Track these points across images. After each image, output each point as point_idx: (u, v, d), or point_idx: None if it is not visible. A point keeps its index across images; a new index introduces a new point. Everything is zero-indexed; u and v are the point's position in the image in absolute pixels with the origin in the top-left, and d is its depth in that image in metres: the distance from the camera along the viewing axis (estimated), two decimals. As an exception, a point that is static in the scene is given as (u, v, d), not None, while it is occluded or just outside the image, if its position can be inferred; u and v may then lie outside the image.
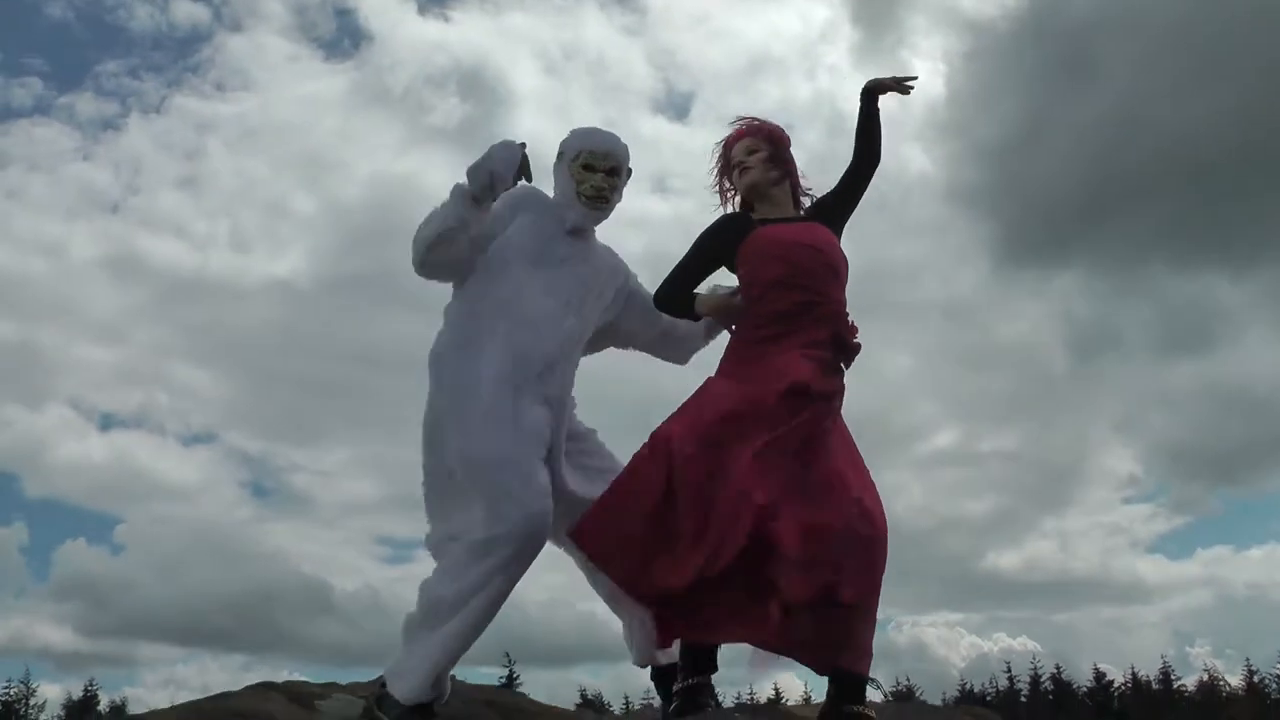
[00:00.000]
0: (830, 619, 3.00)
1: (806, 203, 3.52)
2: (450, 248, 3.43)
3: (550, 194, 3.65)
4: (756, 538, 3.00)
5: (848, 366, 3.32)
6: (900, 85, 3.49)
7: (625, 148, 3.64)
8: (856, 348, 3.30)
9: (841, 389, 3.29)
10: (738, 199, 3.50)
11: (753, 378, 3.22)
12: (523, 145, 3.41)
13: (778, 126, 3.52)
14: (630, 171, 3.66)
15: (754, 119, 3.51)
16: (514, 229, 3.53)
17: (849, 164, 3.49)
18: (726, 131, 3.54)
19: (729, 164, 3.50)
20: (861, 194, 3.51)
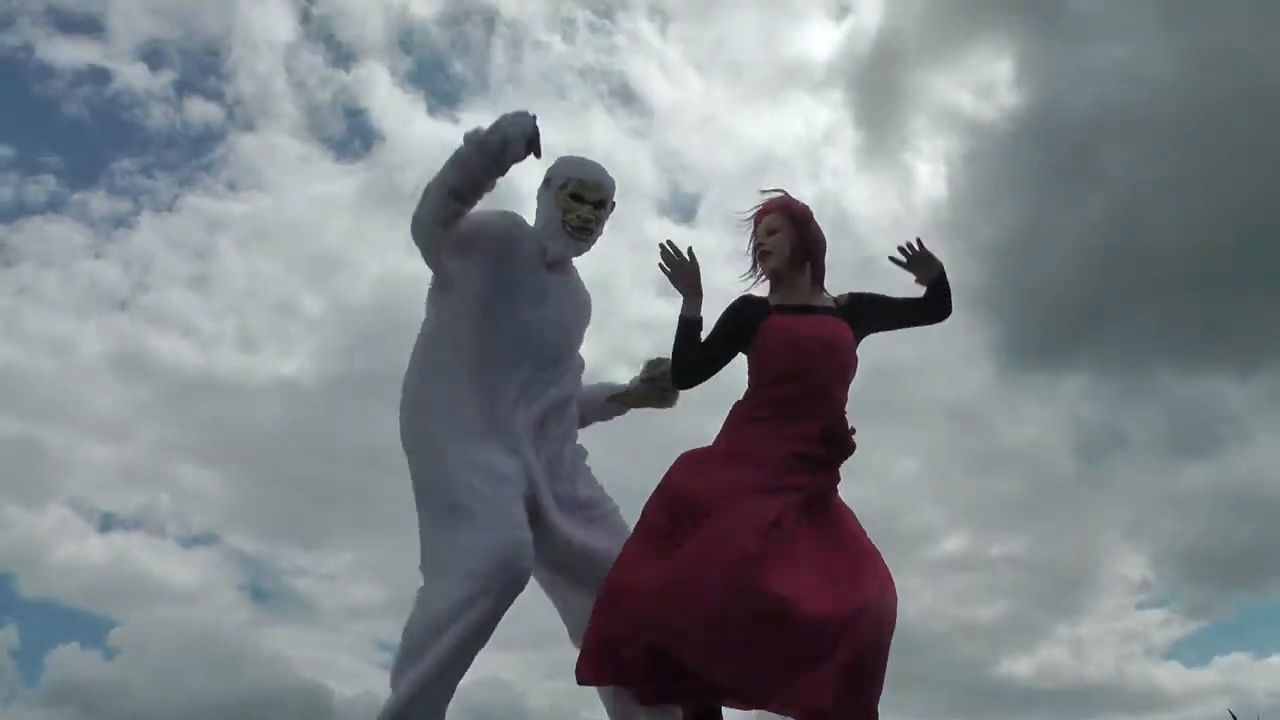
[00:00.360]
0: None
1: (833, 288, 3.45)
2: (446, 230, 3.31)
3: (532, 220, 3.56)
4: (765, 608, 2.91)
5: (837, 463, 3.26)
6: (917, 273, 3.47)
7: (613, 181, 3.56)
8: (850, 446, 3.25)
9: (824, 484, 3.23)
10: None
11: (736, 454, 3.19)
12: (534, 116, 3.19)
13: (801, 204, 3.43)
14: (614, 205, 3.58)
15: (778, 193, 3.42)
16: (492, 257, 3.40)
17: (919, 300, 3.47)
18: (746, 217, 3.46)
19: (753, 243, 3.43)
20: (904, 327, 3.50)
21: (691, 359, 3.31)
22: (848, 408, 3.32)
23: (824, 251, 3.41)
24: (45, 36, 14.45)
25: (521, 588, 3.13)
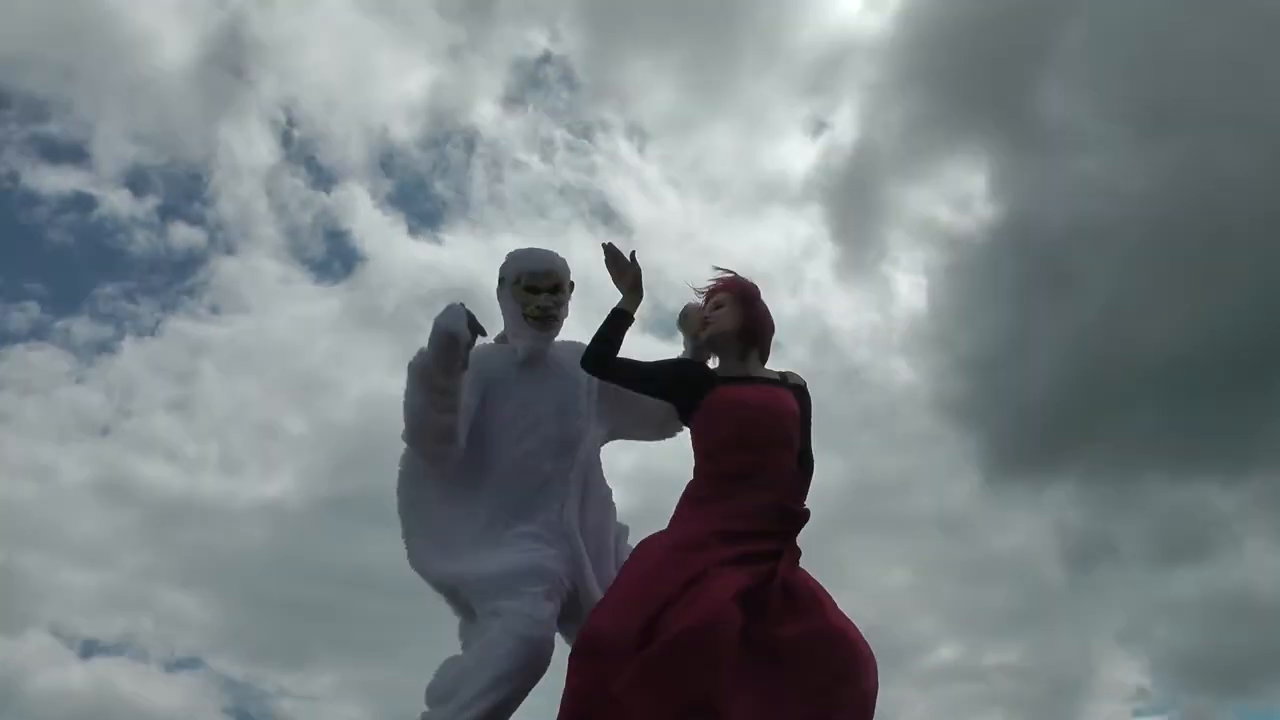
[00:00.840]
0: None
1: (781, 365, 3.48)
2: (436, 433, 3.38)
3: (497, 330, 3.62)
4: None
5: (793, 534, 3.22)
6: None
7: (563, 261, 3.59)
8: (804, 515, 3.24)
9: (785, 553, 3.17)
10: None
11: (689, 544, 3.10)
12: (461, 304, 3.31)
13: (748, 283, 3.45)
14: (573, 285, 3.61)
15: (728, 274, 3.46)
16: (474, 397, 3.46)
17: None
18: (698, 295, 3.47)
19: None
20: None
21: (612, 350, 3.30)
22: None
23: (769, 329, 3.44)
24: (30, 165, 14.61)
25: (538, 679, 3.17)
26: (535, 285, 3.50)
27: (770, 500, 3.19)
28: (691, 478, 3.32)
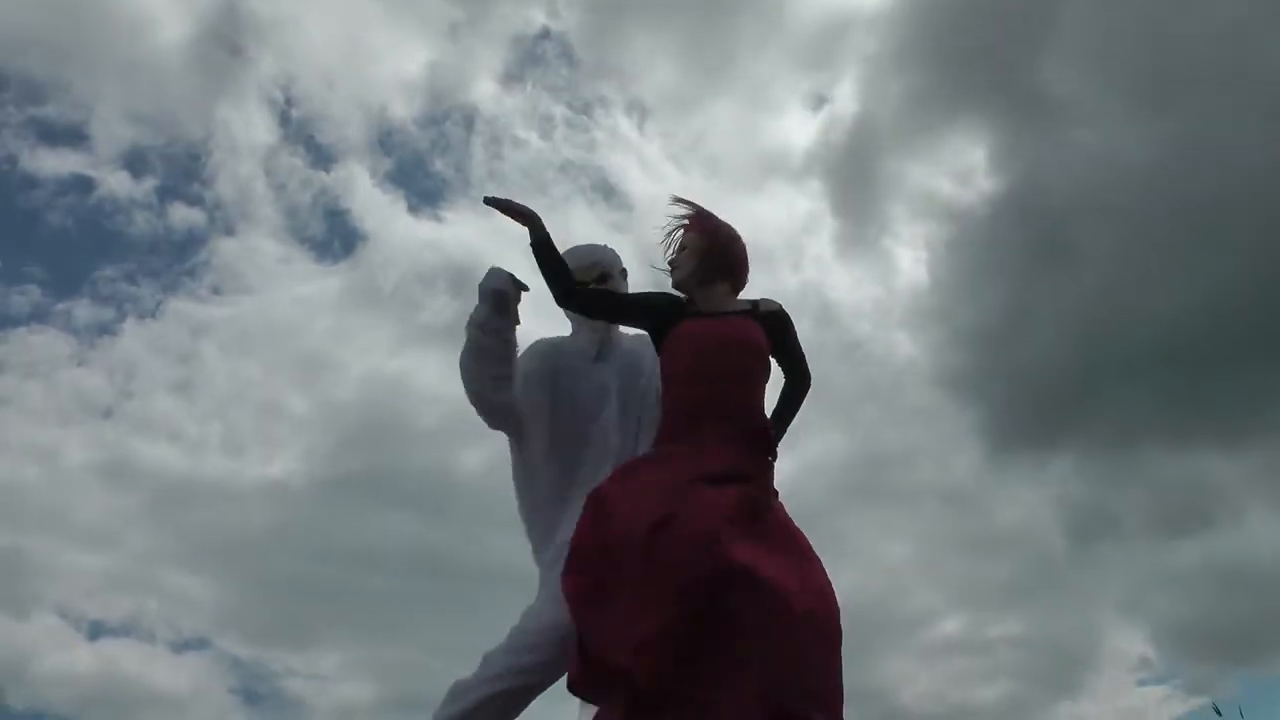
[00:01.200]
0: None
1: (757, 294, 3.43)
2: (491, 409, 3.46)
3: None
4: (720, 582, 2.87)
5: (767, 459, 3.21)
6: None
7: (611, 252, 3.65)
8: (767, 437, 3.22)
9: (762, 474, 3.16)
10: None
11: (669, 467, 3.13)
12: (500, 268, 3.42)
13: (710, 219, 3.42)
14: (625, 272, 3.66)
15: (692, 208, 3.44)
16: (546, 388, 3.52)
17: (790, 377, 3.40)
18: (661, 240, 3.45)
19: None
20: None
21: (566, 276, 3.33)
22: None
23: (736, 260, 3.40)
24: (28, 148, 14.58)
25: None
26: (582, 280, 3.52)
27: (733, 431, 3.18)
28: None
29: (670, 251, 3.42)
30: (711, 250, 3.37)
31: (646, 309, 3.37)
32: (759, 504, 3.08)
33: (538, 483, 3.53)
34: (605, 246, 3.67)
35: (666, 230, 3.45)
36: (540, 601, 3.27)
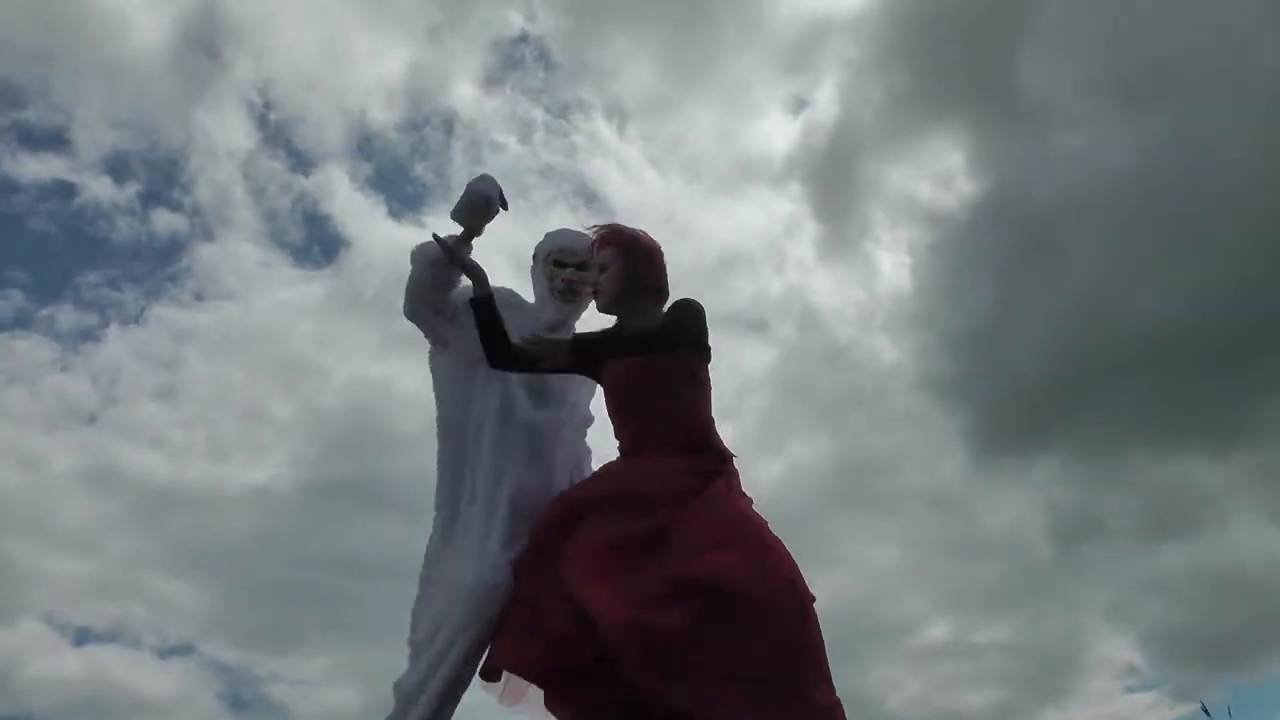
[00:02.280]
0: None
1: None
2: (425, 297, 3.51)
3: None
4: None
5: (721, 467, 3.20)
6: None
7: (589, 239, 3.62)
8: (714, 449, 3.23)
9: (706, 479, 3.13)
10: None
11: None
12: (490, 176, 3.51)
13: (628, 234, 3.43)
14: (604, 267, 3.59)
15: (609, 227, 3.46)
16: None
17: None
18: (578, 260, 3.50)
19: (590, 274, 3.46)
20: None
21: (500, 341, 3.35)
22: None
23: (654, 277, 3.41)
24: (10, 152, 14.48)
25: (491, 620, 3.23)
26: (563, 260, 3.60)
27: (678, 447, 3.20)
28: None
29: (593, 276, 3.42)
30: (632, 272, 3.38)
31: (576, 361, 3.37)
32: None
33: (458, 409, 3.52)
34: (585, 234, 3.64)
35: (585, 252, 3.48)
36: (452, 561, 3.30)
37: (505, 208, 3.51)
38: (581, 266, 3.58)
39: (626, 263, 3.37)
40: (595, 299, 3.43)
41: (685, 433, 3.25)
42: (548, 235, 3.70)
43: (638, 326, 3.34)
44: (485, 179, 3.48)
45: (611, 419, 3.33)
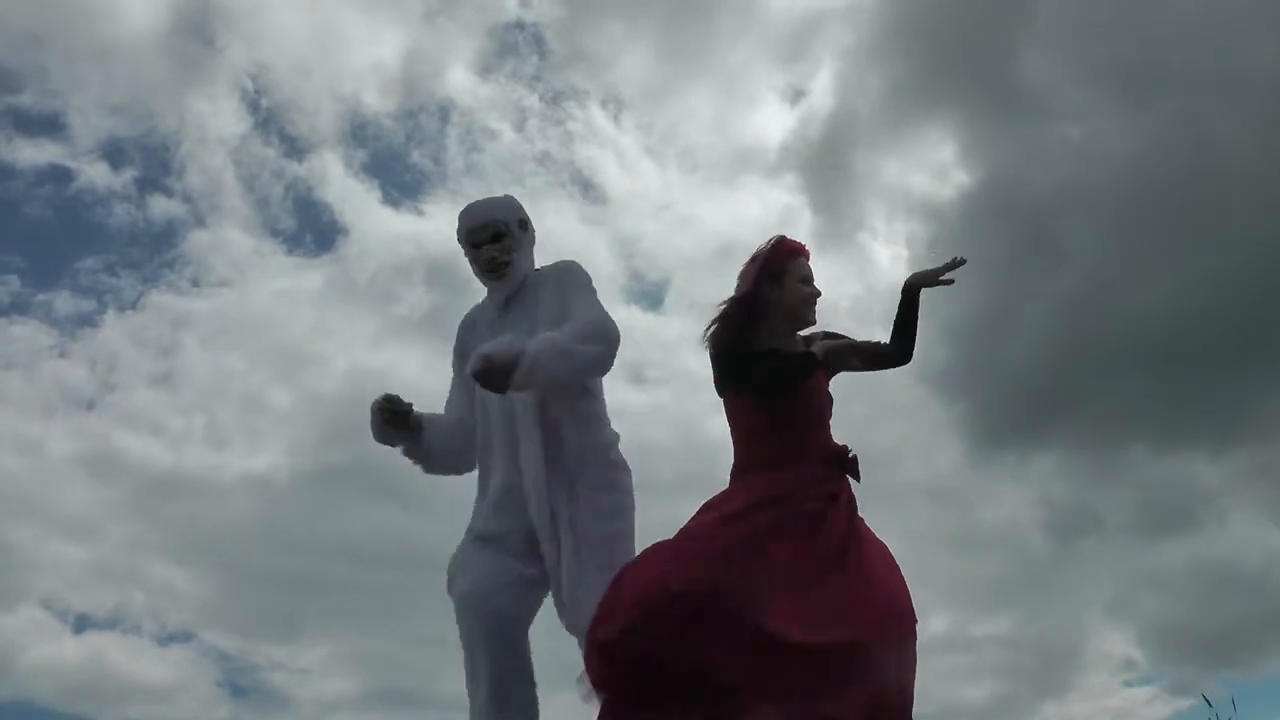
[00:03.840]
0: None
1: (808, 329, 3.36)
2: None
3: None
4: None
5: (855, 477, 3.23)
6: (940, 279, 3.38)
7: (502, 203, 3.56)
8: (852, 460, 3.22)
9: (837, 492, 3.15)
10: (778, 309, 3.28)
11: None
12: (376, 402, 3.50)
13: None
14: (523, 222, 3.56)
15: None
16: (459, 361, 3.56)
17: (884, 344, 3.36)
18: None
19: (786, 271, 3.30)
20: (868, 369, 3.41)
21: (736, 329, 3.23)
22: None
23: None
24: (5, 138, 14.46)
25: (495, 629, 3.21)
26: (475, 240, 3.49)
27: (813, 466, 3.18)
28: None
29: (811, 283, 3.31)
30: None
31: (750, 321, 3.24)
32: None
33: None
34: (502, 198, 3.58)
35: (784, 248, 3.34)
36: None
37: (408, 411, 3.50)
38: (496, 238, 3.47)
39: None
40: (806, 305, 3.30)
41: (827, 450, 3.24)
42: (459, 216, 3.59)
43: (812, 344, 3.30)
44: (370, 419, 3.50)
45: (751, 431, 3.22)
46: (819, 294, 3.32)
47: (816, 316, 3.32)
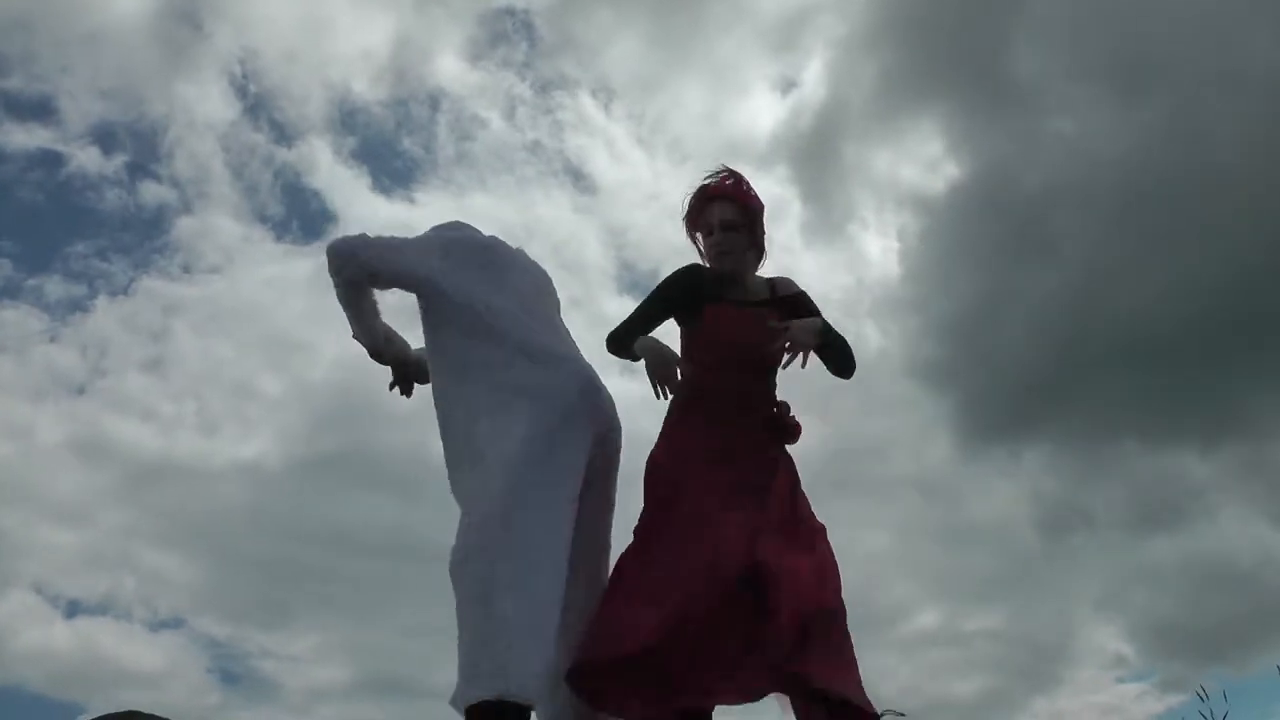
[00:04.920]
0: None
1: (770, 272, 3.41)
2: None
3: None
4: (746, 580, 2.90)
5: (787, 442, 3.27)
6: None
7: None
8: (794, 427, 3.26)
9: (776, 461, 3.22)
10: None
11: (689, 450, 3.19)
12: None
13: (757, 198, 3.36)
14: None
15: (738, 177, 3.36)
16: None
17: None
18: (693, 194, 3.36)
19: (702, 220, 3.34)
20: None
21: (625, 332, 3.27)
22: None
23: (764, 244, 3.39)
24: (-4, 123, 14.38)
25: None
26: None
27: (757, 420, 3.24)
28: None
29: (711, 227, 3.31)
30: (758, 232, 3.33)
31: (678, 298, 3.30)
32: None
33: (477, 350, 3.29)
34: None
35: (697, 196, 3.35)
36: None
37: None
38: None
39: (755, 232, 3.35)
40: (718, 259, 3.32)
41: (769, 404, 3.31)
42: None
43: (755, 292, 3.33)
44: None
45: (699, 370, 3.23)
46: (719, 242, 3.30)
47: (734, 262, 3.31)
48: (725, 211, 3.31)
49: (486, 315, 3.21)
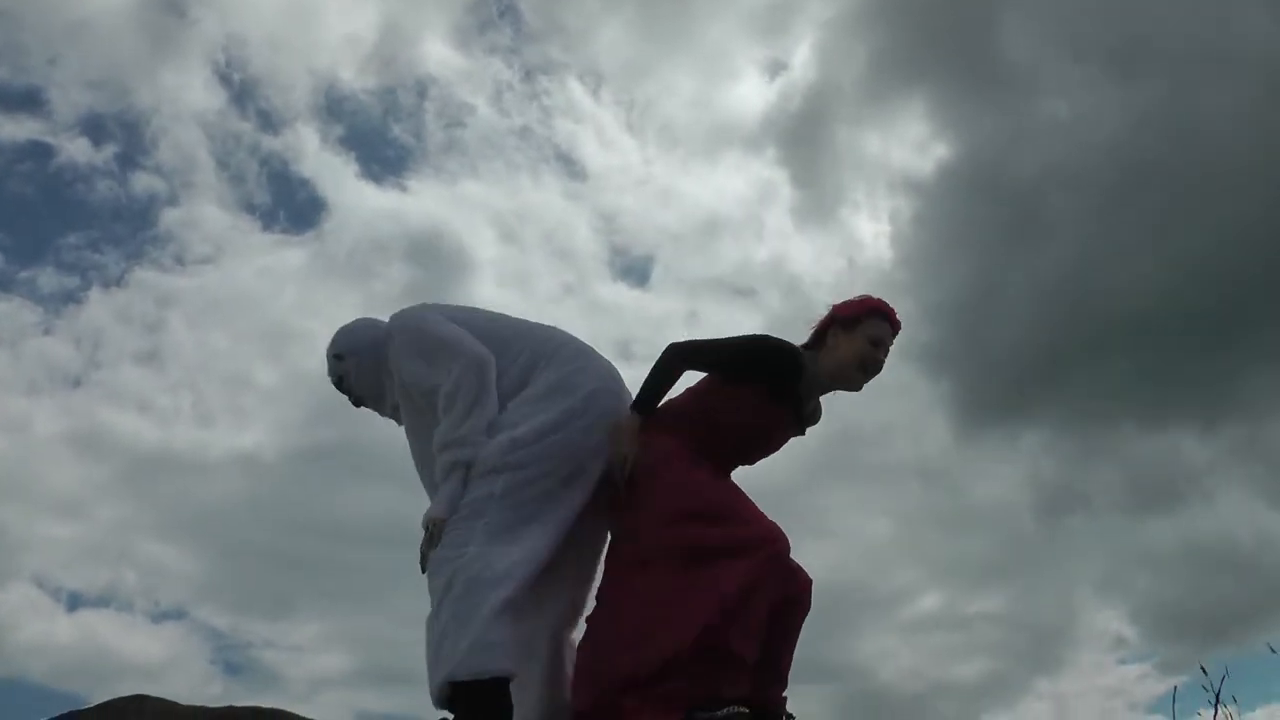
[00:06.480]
0: None
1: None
2: None
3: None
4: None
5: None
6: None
7: (331, 343, 3.58)
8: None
9: None
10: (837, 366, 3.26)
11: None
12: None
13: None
14: (340, 358, 3.56)
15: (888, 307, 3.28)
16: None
17: None
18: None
19: (873, 333, 3.24)
20: None
21: (693, 357, 3.25)
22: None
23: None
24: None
25: None
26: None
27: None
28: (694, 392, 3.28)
29: (880, 344, 3.23)
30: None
31: (750, 375, 3.18)
32: None
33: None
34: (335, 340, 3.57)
35: (877, 308, 3.26)
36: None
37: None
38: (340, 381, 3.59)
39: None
40: (866, 370, 3.23)
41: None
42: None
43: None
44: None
45: (723, 427, 3.20)
46: (878, 365, 3.25)
47: (857, 387, 3.28)
48: (889, 343, 3.28)
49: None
